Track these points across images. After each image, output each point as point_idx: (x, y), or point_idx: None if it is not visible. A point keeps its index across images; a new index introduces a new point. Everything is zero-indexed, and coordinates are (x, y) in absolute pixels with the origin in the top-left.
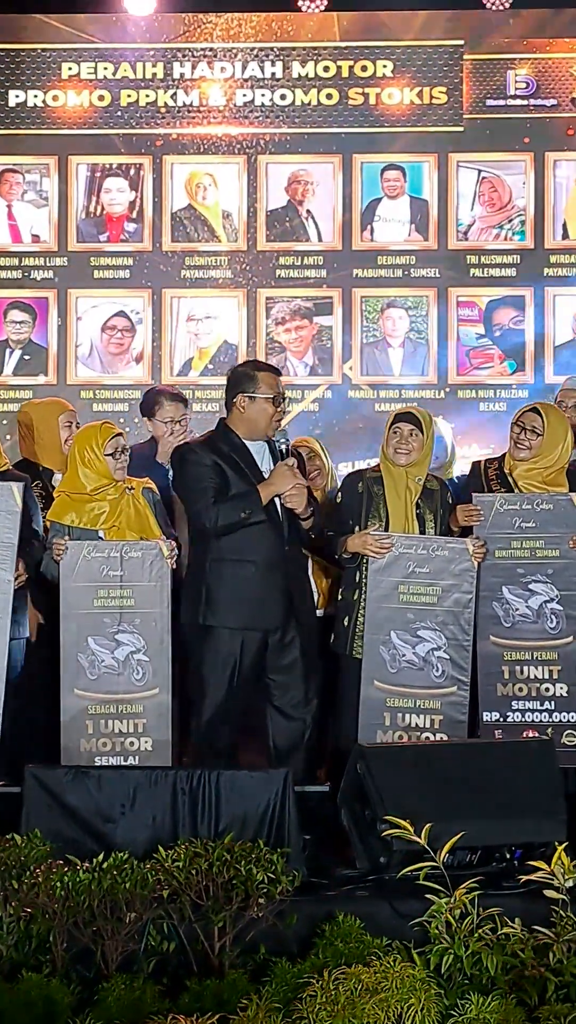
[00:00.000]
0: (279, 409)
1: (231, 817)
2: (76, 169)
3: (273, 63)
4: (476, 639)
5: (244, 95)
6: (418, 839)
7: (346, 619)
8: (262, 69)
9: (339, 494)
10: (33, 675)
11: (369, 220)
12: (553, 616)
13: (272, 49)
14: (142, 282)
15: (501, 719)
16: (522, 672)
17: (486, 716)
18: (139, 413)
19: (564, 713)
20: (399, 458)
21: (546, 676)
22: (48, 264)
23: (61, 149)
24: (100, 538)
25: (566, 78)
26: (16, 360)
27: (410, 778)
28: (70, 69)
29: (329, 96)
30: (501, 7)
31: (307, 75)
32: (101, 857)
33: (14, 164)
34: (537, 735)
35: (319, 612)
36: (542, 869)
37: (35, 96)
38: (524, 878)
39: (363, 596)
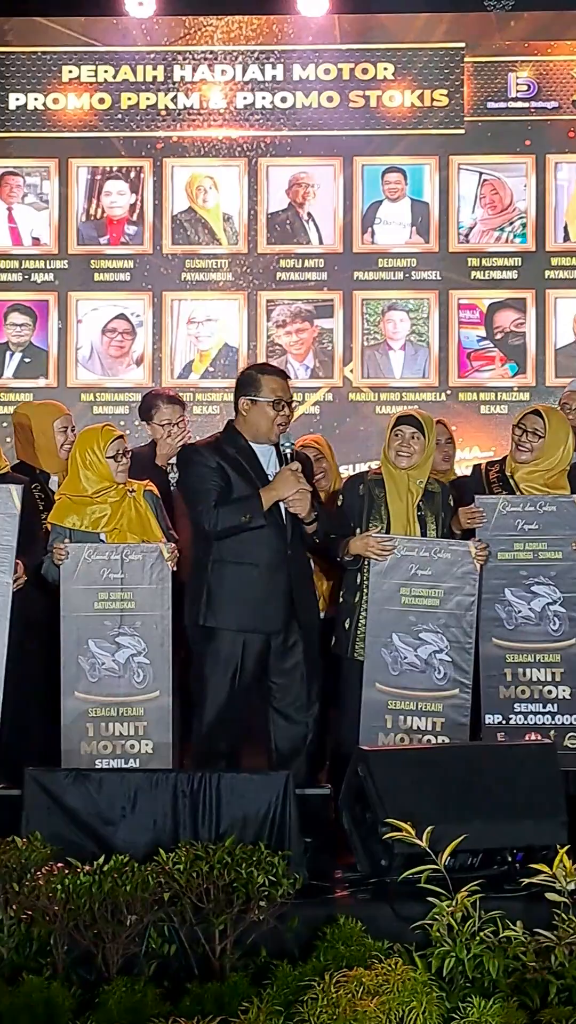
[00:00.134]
0: (280, 413)
1: (232, 820)
2: (76, 172)
3: (274, 66)
4: (478, 641)
5: (245, 98)
6: (419, 842)
7: (347, 621)
8: (263, 72)
9: (340, 497)
10: (33, 677)
11: (370, 223)
12: (556, 618)
13: (273, 52)
14: (142, 285)
15: (503, 722)
16: (524, 674)
17: (488, 719)
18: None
19: (567, 716)
20: (401, 461)
21: (548, 679)
22: (48, 267)
23: (61, 152)
24: (102, 540)
25: (567, 80)
26: (16, 363)
27: (411, 781)
28: (71, 72)
29: (330, 99)
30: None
31: (308, 78)
32: (102, 860)
33: (14, 167)
34: (539, 738)
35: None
36: (544, 872)
37: (36, 99)
38: (526, 881)
39: (364, 598)
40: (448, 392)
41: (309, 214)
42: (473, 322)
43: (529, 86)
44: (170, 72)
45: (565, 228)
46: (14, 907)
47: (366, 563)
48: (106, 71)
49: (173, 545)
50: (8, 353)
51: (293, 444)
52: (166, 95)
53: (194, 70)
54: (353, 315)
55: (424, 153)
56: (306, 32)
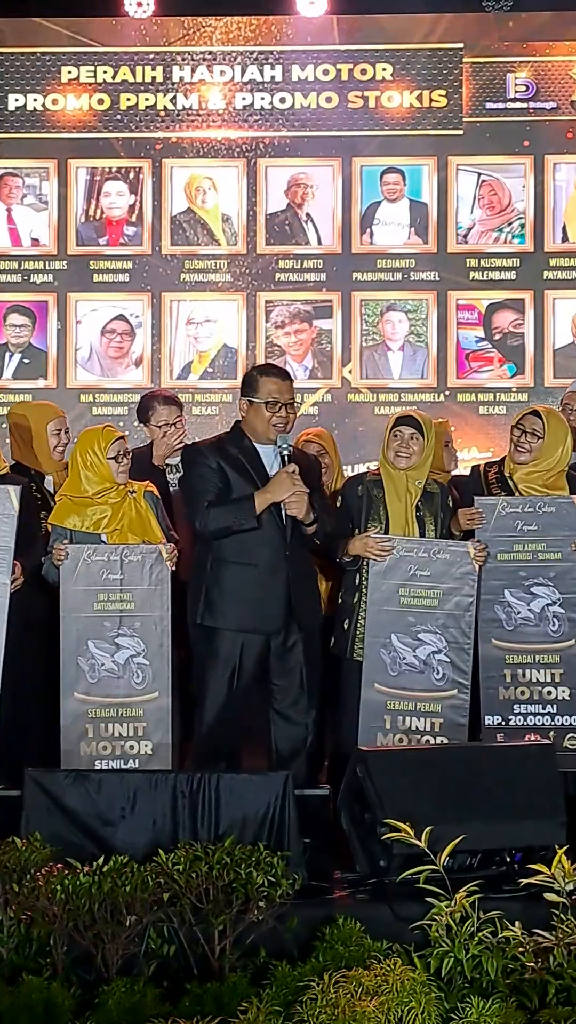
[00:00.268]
0: (276, 414)
1: (231, 820)
2: (76, 173)
3: (272, 66)
4: (478, 642)
5: (243, 98)
6: (418, 842)
7: (346, 622)
8: (261, 72)
9: (339, 497)
10: (32, 678)
11: (369, 223)
12: (555, 619)
13: (271, 52)
14: (142, 285)
15: (503, 723)
16: (524, 675)
17: (488, 720)
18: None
19: (566, 717)
20: (400, 461)
21: (548, 679)
22: (48, 268)
23: (60, 153)
24: (102, 541)
25: (566, 81)
26: (16, 364)
27: (410, 781)
28: (70, 73)
29: (329, 99)
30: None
31: (307, 78)
32: (101, 860)
33: (14, 168)
34: (539, 739)
35: None
36: (542, 872)
37: (35, 100)
38: (524, 881)
39: (363, 599)
40: (447, 393)
41: (308, 215)
42: (472, 323)
43: (528, 87)
44: (169, 73)
45: (564, 229)
46: (14, 908)
47: (365, 564)
48: (105, 72)
49: (172, 546)
50: (7, 354)
51: (291, 445)
52: (165, 96)
53: (193, 71)
54: (352, 316)
55: (423, 154)
56: (305, 33)
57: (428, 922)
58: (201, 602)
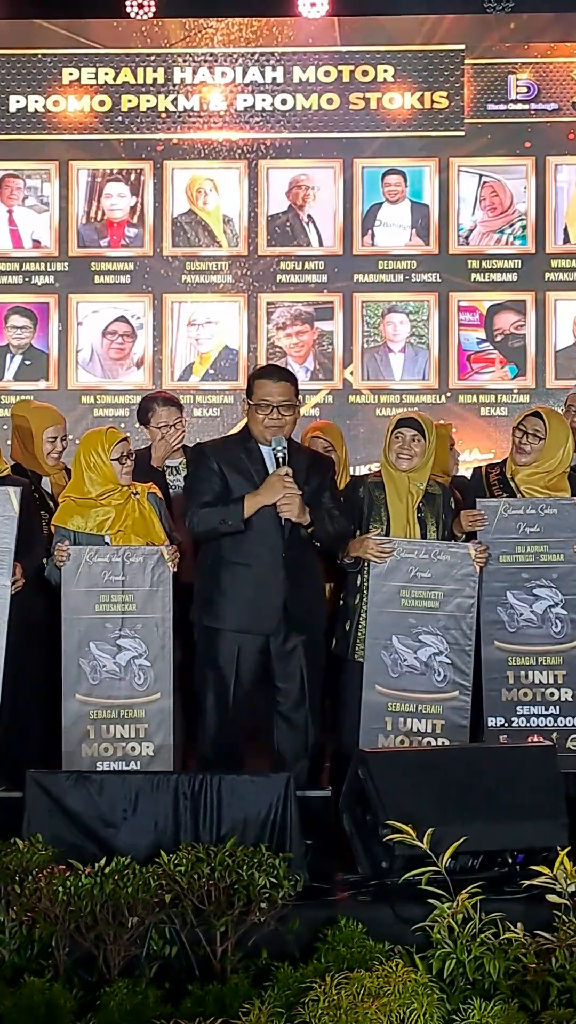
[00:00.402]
0: (268, 416)
1: (233, 822)
2: (77, 174)
3: (274, 68)
4: (481, 644)
5: (245, 100)
6: (420, 844)
7: (347, 623)
8: (263, 74)
9: (341, 498)
10: (33, 679)
11: (370, 225)
12: (558, 621)
13: (273, 54)
14: (143, 287)
15: (506, 724)
16: (527, 677)
17: (491, 721)
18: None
19: (569, 718)
20: (401, 463)
21: (551, 681)
22: (49, 269)
23: (62, 154)
24: (106, 543)
25: (567, 82)
26: (17, 365)
27: (412, 783)
28: (71, 74)
29: (330, 101)
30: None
31: (308, 80)
32: (103, 862)
33: (15, 169)
34: (541, 740)
35: None
36: (544, 874)
37: (36, 101)
38: (526, 883)
39: (364, 600)
40: (448, 394)
41: (309, 216)
42: (473, 324)
43: (529, 88)
44: (170, 74)
45: (565, 230)
46: (15, 909)
47: (366, 565)
48: (106, 73)
49: (174, 547)
50: (8, 355)
51: (286, 447)
52: (166, 97)
53: (194, 72)
54: (353, 317)
55: (424, 155)
56: (306, 34)
57: (430, 923)
58: (200, 602)
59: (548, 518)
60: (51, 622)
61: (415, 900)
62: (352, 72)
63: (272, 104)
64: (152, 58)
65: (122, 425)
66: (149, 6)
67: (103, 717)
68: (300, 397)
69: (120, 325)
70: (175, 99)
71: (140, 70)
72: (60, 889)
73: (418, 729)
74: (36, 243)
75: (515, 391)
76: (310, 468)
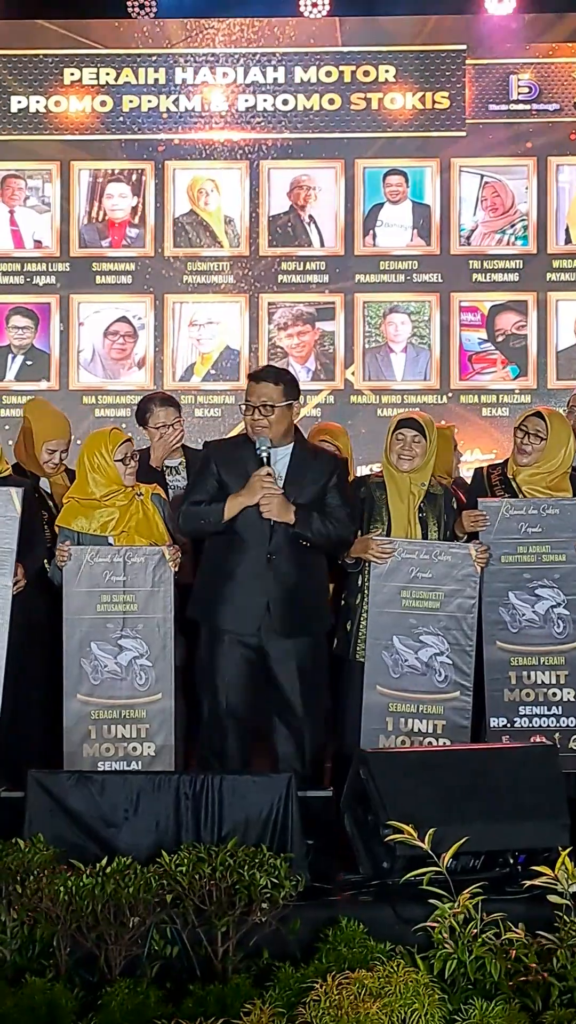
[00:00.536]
0: (249, 416)
1: (234, 822)
2: (78, 174)
3: (275, 68)
4: (483, 645)
5: (246, 100)
6: (421, 844)
7: (348, 624)
8: (264, 74)
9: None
10: (35, 679)
11: (371, 225)
12: (560, 621)
13: (274, 54)
14: (144, 287)
15: (508, 725)
16: (529, 677)
17: (493, 722)
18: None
19: (571, 718)
20: (403, 464)
21: (553, 681)
22: (50, 269)
23: (63, 154)
24: (110, 544)
25: (569, 82)
26: (19, 365)
27: (413, 783)
28: (72, 74)
29: (331, 101)
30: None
31: (309, 80)
32: (104, 862)
33: (16, 170)
34: (543, 740)
35: None
36: (545, 874)
37: (37, 102)
38: (527, 883)
39: (365, 601)
40: (449, 395)
41: (310, 216)
42: (474, 324)
43: (530, 88)
44: (172, 75)
45: (566, 230)
46: (17, 909)
47: (367, 565)
48: (108, 74)
49: (175, 548)
50: (10, 356)
51: (269, 448)
52: (168, 98)
53: (195, 73)
54: (355, 318)
55: (425, 155)
56: (307, 34)
57: (431, 924)
58: (194, 600)
59: (550, 518)
60: (53, 622)
61: (416, 900)
62: (353, 72)
63: (273, 104)
64: (153, 58)
65: (124, 425)
66: (150, 6)
67: (104, 717)
68: (302, 398)
69: (121, 325)
70: (176, 99)
71: (141, 70)
72: (61, 889)
73: (419, 729)
74: (38, 243)
75: (516, 391)
76: (314, 469)
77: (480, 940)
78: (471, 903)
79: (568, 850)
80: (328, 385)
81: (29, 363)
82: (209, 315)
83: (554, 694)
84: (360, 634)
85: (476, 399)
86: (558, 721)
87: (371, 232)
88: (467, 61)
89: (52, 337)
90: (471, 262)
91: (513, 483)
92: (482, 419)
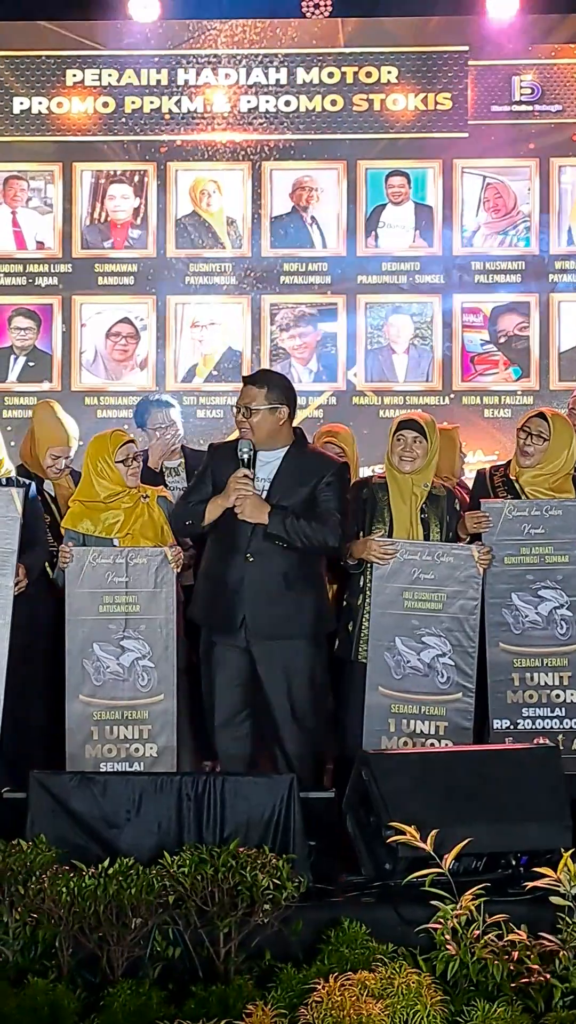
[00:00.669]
0: (236, 418)
1: (236, 823)
2: (80, 176)
3: (277, 69)
4: (486, 646)
5: (248, 101)
6: (423, 846)
7: (350, 625)
8: (266, 75)
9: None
10: (37, 680)
11: (373, 226)
12: (563, 622)
13: (276, 55)
14: (146, 288)
15: (511, 727)
16: (532, 679)
17: (496, 724)
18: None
19: (575, 720)
20: (404, 465)
21: (556, 683)
22: (52, 271)
23: (65, 156)
24: (115, 546)
25: (571, 84)
26: (21, 366)
27: (415, 784)
28: (74, 76)
29: (333, 102)
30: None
31: (311, 81)
32: (107, 863)
33: (19, 171)
34: (546, 742)
35: None
36: (548, 876)
37: (39, 103)
38: (530, 885)
39: (367, 601)
40: (451, 396)
41: (313, 218)
42: (477, 326)
43: (533, 89)
44: (174, 76)
45: (569, 231)
46: (19, 910)
47: (369, 566)
48: (110, 75)
49: (178, 549)
50: (12, 357)
51: (250, 450)
52: (170, 99)
53: (198, 74)
54: (357, 319)
55: (428, 157)
56: (310, 36)
57: (433, 925)
58: (192, 600)
59: (553, 519)
60: (56, 624)
61: (418, 902)
62: (355, 73)
63: (276, 105)
64: (156, 59)
65: (126, 426)
66: (153, 7)
67: (107, 718)
68: (304, 399)
69: (124, 326)
70: (179, 100)
71: (144, 71)
72: (64, 890)
73: (421, 731)
74: (40, 245)
75: (519, 393)
76: (306, 472)
77: (482, 942)
78: (473, 904)
79: (571, 852)
80: (330, 386)
81: (31, 364)
82: (211, 316)
83: (557, 696)
84: (362, 635)
85: (478, 400)
86: (561, 723)
87: (373, 233)
88: (469, 62)
89: (54, 338)
90: (473, 263)
91: (516, 484)
92: (484, 420)
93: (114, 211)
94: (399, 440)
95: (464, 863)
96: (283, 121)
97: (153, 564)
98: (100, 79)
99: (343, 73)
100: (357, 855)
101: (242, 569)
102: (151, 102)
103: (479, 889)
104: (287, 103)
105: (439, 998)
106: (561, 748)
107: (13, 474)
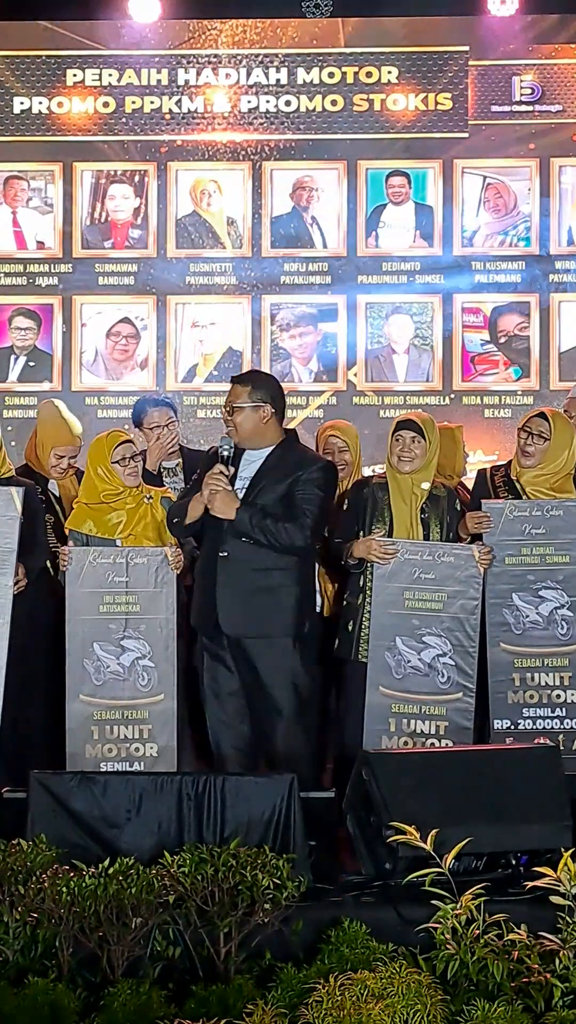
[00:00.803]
0: (223, 417)
1: (237, 823)
2: (81, 176)
3: (278, 69)
4: (487, 646)
5: (249, 101)
6: (424, 845)
7: (350, 624)
8: (267, 75)
9: (346, 500)
10: (38, 680)
11: (374, 226)
12: (564, 622)
13: (277, 55)
14: (147, 289)
15: (512, 727)
16: (533, 679)
17: (497, 724)
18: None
19: (575, 720)
20: (403, 466)
21: (557, 683)
22: (53, 271)
23: (66, 156)
24: (117, 547)
25: (572, 84)
26: (21, 367)
27: (416, 784)
28: (75, 76)
29: (334, 102)
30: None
31: (312, 81)
32: (107, 863)
33: (19, 171)
34: (547, 742)
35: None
36: (548, 875)
37: (40, 103)
38: (530, 884)
39: (367, 601)
40: (452, 396)
41: (313, 218)
42: (477, 326)
43: (533, 89)
44: (174, 76)
45: (569, 231)
46: (19, 909)
47: (369, 566)
48: (110, 75)
49: (178, 549)
50: (13, 357)
51: (231, 448)
52: (170, 99)
53: (198, 74)
54: (357, 319)
55: (428, 157)
56: (310, 36)
57: (434, 925)
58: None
59: (554, 520)
60: (55, 623)
61: (419, 901)
62: (356, 73)
63: (276, 105)
64: (156, 59)
65: (125, 426)
66: (153, 7)
67: (107, 718)
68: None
69: (124, 326)
70: (179, 100)
71: (144, 71)
72: (64, 890)
73: (422, 731)
74: (40, 244)
75: (519, 393)
76: (287, 469)
77: (482, 941)
78: (473, 904)
79: (571, 851)
80: (330, 386)
81: (32, 364)
82: (211, 316)
83: (558, 696)
84: (362, 635)
85: (478, 400)
86: (562, 723)
87: (373, 233)
88: (470, 62)
89: (55, 338)
90: (474, 263)
91: (517, 484)
92: (484, 420)
93: (114, 211)
94: (397, 440)
95: (464, 863)
96: (283, 121)
97: (153, 564)
98: (100, 79)
99: (343, 73)
100: (357, 855)
101: (218, 567)
102: (151, 102)
103: (479, 889)
104: (287, 103)
105: (439, 998)
106: (562, 748)
107: (13, 474)
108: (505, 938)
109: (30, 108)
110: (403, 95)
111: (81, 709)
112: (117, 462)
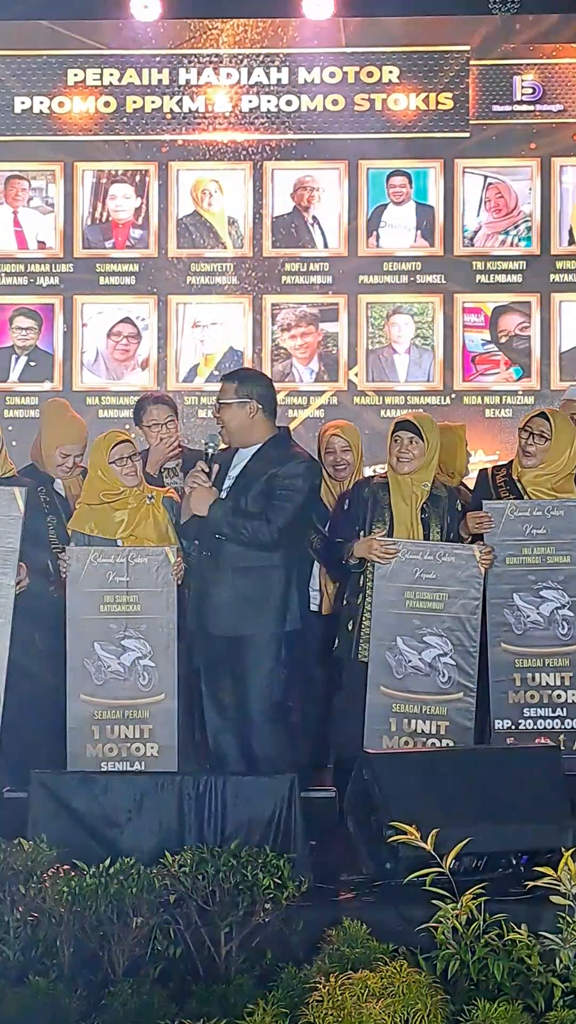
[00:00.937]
0: (214, 415)
1: (237, 823)
2: (82, 175)
3: (279, 69)
4: (488, 646)
5: (250, 101)
6: (424, 845)
7: (351, 624)
8: (268, 75)
9: (347, 500)
10: (38, 680)
11: (375, 226)
12: (564, 622)
13: (278, 55)
14: (148, 288)
15: (513, 727)
16: (534, 679)
17: (498, 724)
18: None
19: None
20: (402, 466)
21: (558, 683)
22: (54, 270)
23: (67, 155)
24: (117, 546)
25: (573, 83)
26: (22, 366)
27: (416, 784)
28: (76, 75)
29: (335, 102)
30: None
31: (313, 81)
32: (108, 862)
33: (20, 171)
34: (548, 742)
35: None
36: (548, 875)
37: (41, 102)
38: (530, 884)
39: (367, 601)
40: (453, 396)
41: (314, 218)
42: (478, 326)
43: (534, 89)
44: (175, 75)
45: (570, 231)
46: (20, 909)
47: (370, 566)
48: (111, 74)
49: (179, 549)
50: (14, 357)
51: (216, 445)
52: (171, 99)
53: (199, 73)
54: (358, 319)
55: (429, 156)
56: (311, 35)
57: (434, 924)
58: None
59: (555, 520)
60: (57, 623)
61: (419, 901)
62: (357, 73)
63: (277, 105)
64: (157, 59)
65: (126, 426)
66: (154, 7)
67: (108, 718)
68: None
69: (125, 326)
70: (180, 100)
71: (145, 71)
72: (65, 889)
73: (422, 730)
74: (41, 244)
75: (520, 393)
76: (269, 466)
77: (483, 941)
78: (474, 904)
79: (571, 851)
80: (331, 386)
81: (32, 364)
82: (212, 316)
83: (559, 696)
84: (362, 634)
85: (479, 400)
86: (563, 723)
87: (374, 233)
88: (471, 62)
89: (56, 338)
90: (474, 263)
91: (518, 484)
92: (485, 420)
93: (115, 211)
94: (396, 441)
95: (465, 862)
96: (284, 121)
97: (154, 564)
98: (101, 79)
99: (344, 73)
100: (358, 855)
101: (195, 564)
102: (152, 102)
103: (479, 888)
104: (288, 103)
105: (440, 997)
106: (562, 748)
107: (14, 473)
108: (505, 938)
109: (31, 108)
110: (404, 95)
111: (82, 709)
112: (114, 462)
